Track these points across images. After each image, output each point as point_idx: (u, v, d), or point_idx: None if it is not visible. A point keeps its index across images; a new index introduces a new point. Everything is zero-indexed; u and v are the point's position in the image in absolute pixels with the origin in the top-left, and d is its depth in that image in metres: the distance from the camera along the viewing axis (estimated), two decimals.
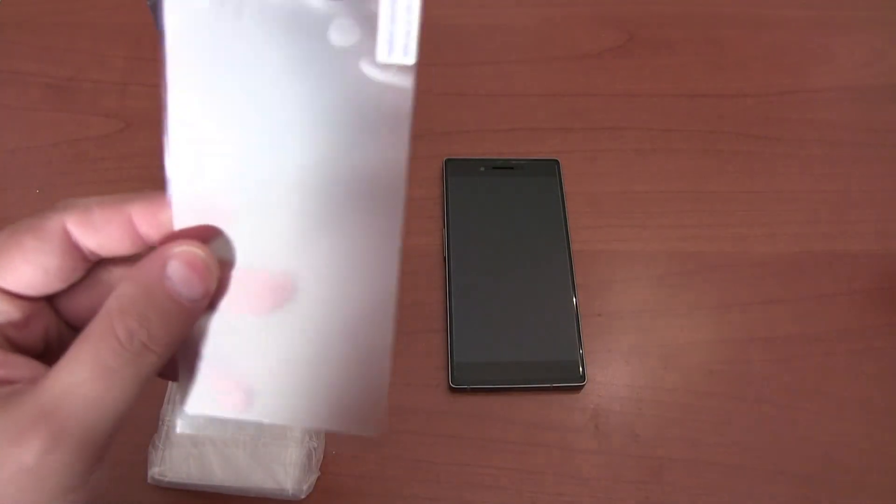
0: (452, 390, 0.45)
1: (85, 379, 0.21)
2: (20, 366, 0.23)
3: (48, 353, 0.25)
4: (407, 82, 0.22)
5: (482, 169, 0.52)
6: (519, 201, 0.51)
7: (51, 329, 0.25)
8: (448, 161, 0.52)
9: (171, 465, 0.40)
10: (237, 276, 0.24)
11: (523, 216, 0.51)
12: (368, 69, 0.22)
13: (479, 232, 0.50)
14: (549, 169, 0.53)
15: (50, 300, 0.25)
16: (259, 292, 0.24)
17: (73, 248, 0.24)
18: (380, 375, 0.25)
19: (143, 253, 0.25)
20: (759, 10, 0.63)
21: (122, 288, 0.22)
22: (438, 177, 0.52)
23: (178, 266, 0.23)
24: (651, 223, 0.52)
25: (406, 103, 0.22)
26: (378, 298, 0.24)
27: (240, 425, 0.42)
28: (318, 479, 0.42)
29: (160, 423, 0.41)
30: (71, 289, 0.25)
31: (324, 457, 0.43)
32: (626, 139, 0.56)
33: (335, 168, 0.23)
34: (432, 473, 0.43)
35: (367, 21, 0.21)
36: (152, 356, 0.22)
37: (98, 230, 0.24)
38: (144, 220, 0.24)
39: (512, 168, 0.53)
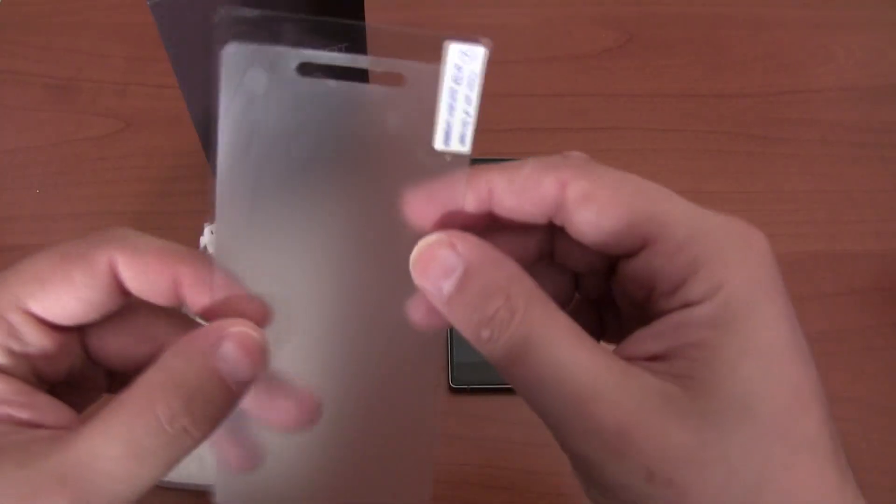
0: (452, 390, 0.45)
1: (117, 455, 0.19)
2: (46, 408, 0.22)
3: (69, 384, 0.24)
4: (462, 171, 0.22)
5: None
6: None
7: (75, 359, 0.24)
8: None
9: None
10: (266, 384, 0.23)
11: None
12: (424, 157, 0.21)
13: None
14: None
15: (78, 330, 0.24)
16: (285, 405, 0.23)
17: (117, 286, 0.23)
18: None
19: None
20: (759, 10, 0.63)
21: (169, 360, 0.21)
22: None
23: (233, 348, 0.21)
24: None
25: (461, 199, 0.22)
26: (417, 416, 0.24)
27: None
28: None
29: None
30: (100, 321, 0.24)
31: None
32: (626, 139, 0.56)
33: (379, 289, 0.22)
34: (433, 474, 0.43)
35: (425, 109, 0.21)
36: (190, 441, 0.20)
37: (147, 278, 0.23)
38: (191, 286, 0.23)
39: None
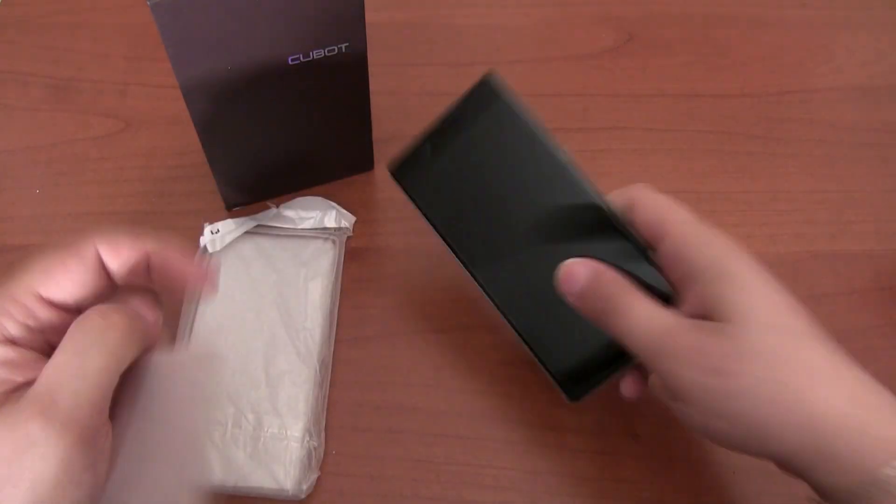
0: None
1: (65, 360, 0.27)
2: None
3: None
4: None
5: (428, 148, 0.41)
6: (490, 157, 0.40)
7: None
8: (394, 172, 0.42)
9: None
10: None
11: (508, 174, 0.40)
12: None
13: (471, 216, 0.41)
14: (488, 93, 0.40)
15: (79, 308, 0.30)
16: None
17: (103, 268, 0.30)
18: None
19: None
20: (759, 10, 0.63)
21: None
22: None
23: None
24: None
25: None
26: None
27: (238, 424, 0.42)
28: (318, 479, 0.42)
29: None
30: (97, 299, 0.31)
31: (324, 457, 0.43)
32: (626, 139, 0.56)
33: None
34: (432, 473, 0.43)
35: None
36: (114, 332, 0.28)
37: (121, 259, 0.30)
38: (154, 262, 0.31)
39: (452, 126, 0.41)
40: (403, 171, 0.41)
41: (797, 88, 0.59)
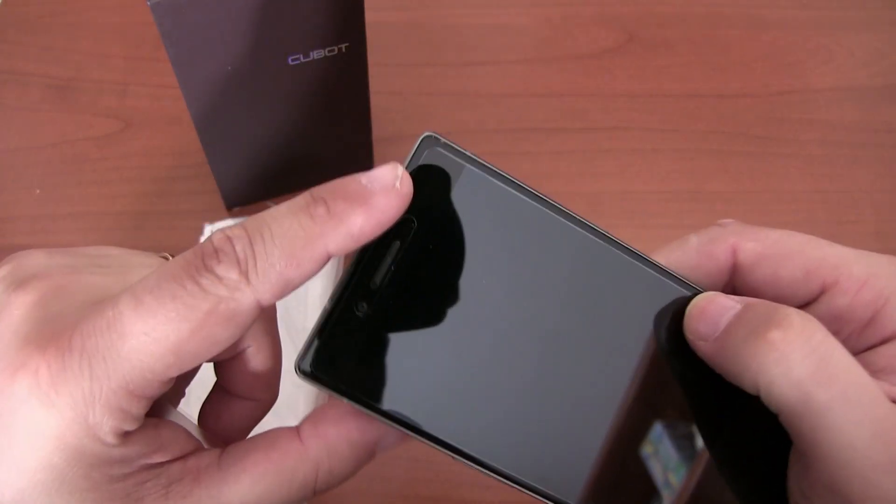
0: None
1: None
2: (170, 443, 0.22)
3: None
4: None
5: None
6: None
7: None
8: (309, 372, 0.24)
9: None
10: None
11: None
12: None
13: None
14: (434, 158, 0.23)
15: None
16: None
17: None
18: None
19: None
20: (759, 10, 0.63)
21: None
22: None
23: None
24: (651, 223, 0.52)
25: None
26: None
27: None
28: None
29: None
30: None
31: None
32: (626, 139, 0.56)
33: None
34: (432, 473, 0.43)
35: None
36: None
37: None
38: None
39: None
40: (333, 365, 0.22)
41: (797, 88, 0.59)
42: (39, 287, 0.22)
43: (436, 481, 0.43)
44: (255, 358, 0.25)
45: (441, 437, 0.22)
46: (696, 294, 0.24)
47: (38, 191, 0.53)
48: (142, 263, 0.25)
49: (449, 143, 0.22)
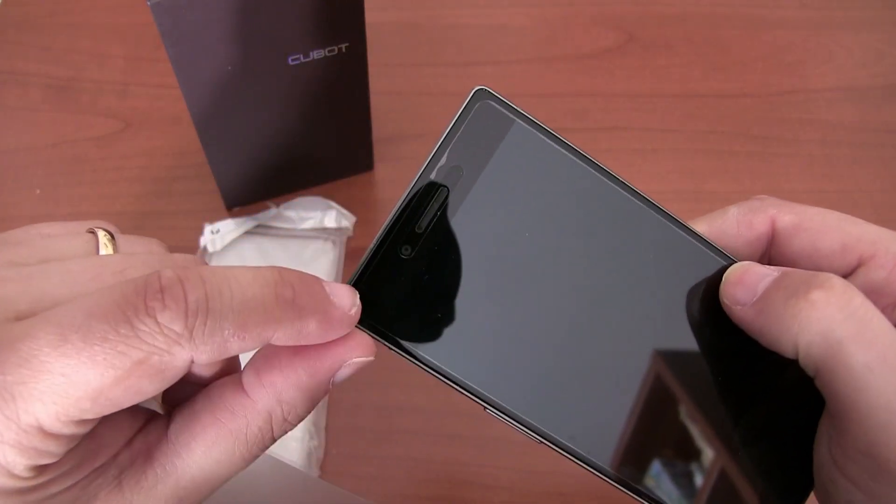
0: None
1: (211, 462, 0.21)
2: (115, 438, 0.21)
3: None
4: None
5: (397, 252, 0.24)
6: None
7: None
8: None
9: None
10: None
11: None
12: None
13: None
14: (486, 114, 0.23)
15: None
16: None
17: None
18: None
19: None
20: (759, 10, 0.63)
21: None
22: None
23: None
24: None
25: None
26: None
27: None
28: (318, 478, 0.42)
29: None
30: None
31: (324, 457, 0.43)
32: (626, 139, 0.56)
33: None
34: (432, 473, 0.43)
35: None
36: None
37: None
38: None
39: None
40: (375, 307, 0.23)
41: (797, 88, 0.59)
42: None
43: (436, 481, 0.43)
44: (205, 369, 0.22)
45: (475, 385, 0.24)
46: (731, 263, 0.24)
47: (38, 191, 0.53)
48: (62, 254, 0.22)
49: (500, 97, 0.23)
